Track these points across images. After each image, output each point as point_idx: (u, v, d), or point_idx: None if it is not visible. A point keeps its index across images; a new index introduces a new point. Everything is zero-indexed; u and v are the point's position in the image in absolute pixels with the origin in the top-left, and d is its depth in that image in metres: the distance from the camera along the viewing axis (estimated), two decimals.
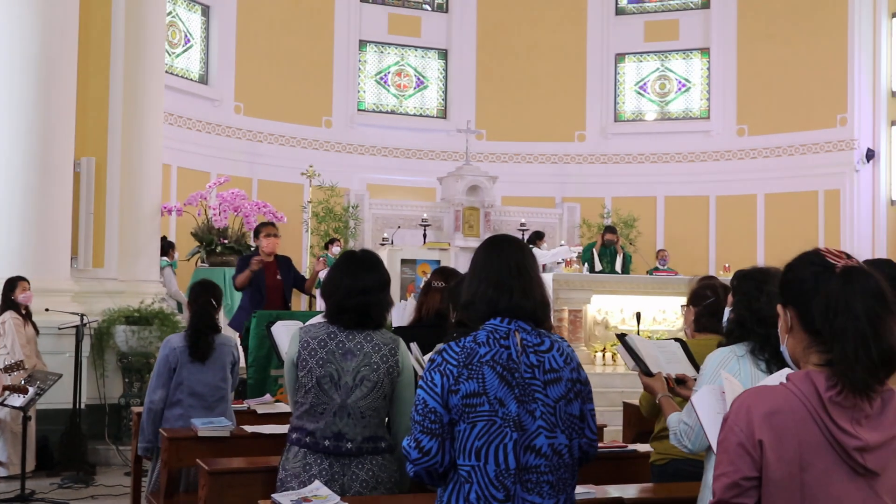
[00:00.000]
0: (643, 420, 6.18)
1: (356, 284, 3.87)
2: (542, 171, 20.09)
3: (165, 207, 12.49)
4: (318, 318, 4.24)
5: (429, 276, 5.71)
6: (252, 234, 10.62)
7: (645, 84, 20.69)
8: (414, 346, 4.62)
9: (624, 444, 5.15)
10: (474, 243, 16.95)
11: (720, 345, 3.80)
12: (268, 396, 6.87)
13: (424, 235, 16.57)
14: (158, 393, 5.97)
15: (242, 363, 6.81)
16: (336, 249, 14.46)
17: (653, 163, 20.08)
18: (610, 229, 15.17)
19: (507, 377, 2.90)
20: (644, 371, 4.08)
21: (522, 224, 17.24)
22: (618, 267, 14.53)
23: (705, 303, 4.71)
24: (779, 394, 2.13)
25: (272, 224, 9.50)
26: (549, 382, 2.95)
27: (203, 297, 6.11)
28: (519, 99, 20.04)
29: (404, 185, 19.39)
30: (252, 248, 11.87)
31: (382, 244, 15.83)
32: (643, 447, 5.04)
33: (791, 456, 2.07)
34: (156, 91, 11.36)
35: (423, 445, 2.88)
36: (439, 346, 3.07)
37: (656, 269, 15.31)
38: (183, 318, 11.07)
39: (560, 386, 2.98)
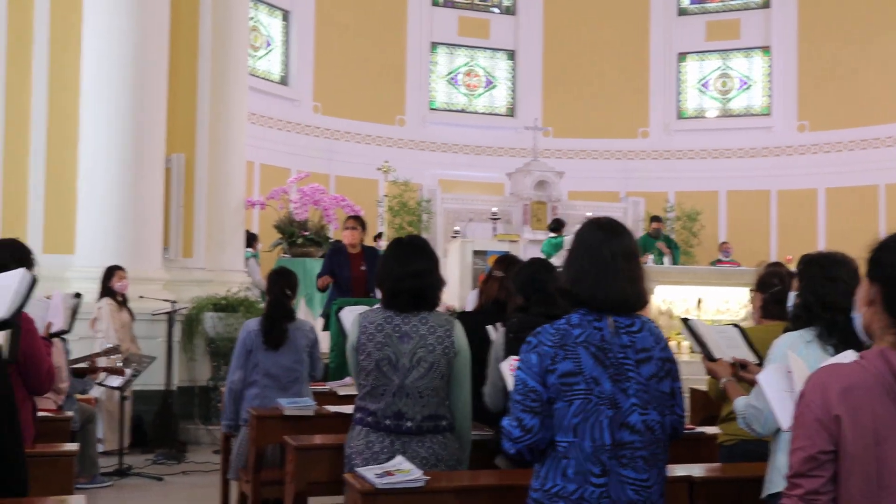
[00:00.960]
0: (709, 405, 6.11)
1: (406, 269, 3.87)
2: (606, 167, 19.93)
3: (249, 201, 12.64)
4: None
5: (492, 263, 5.70)
6: (331, 227, 10.68)
7: (707, 82, 20.42)
8: (494, 328, 4.61)
9: (692, 426, 5.10)
10: (542, 236, 16.89)
11: (786, 330, 3.73)
12: (348, 379, 6.88)
13: (494, 228, 16.55)
14: (237, 374, 6.03)
15: (324, 348, 6.83)
16: (382, 243, 14.48)
17: (715, 158, 19.80)
18: (655, 218, 15.10)
19: (600, 357, 2.89)
20: (707, 355, 4.02)
21: (589, 217, 17.00)
22: (665, 259, 14.38)
23: (772, 290, 4.62)
24: (854, 370, 2.11)
25: (355, 217, 9.47)
26: (641, 361, 2.94)
27: (277, 286, 6.12)
28: (584, 97, 19.88)
29: (474, 180, 19.35)
30: (332, 240, 12.03)
31: (454, 237, 15.85)
32: (710, 429, 4.99)
33: (867, 430, 2.05)
34: (240, 91, 11.51)
35: (525, 424, 2.88)
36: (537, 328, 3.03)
37: (719, 260, 15.12)
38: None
39: (651, 365, 2.96)
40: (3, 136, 10.12)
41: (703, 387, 6.44)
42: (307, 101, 18.33)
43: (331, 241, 12.23)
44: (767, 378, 2.96)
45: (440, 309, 4.07)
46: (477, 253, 12.61)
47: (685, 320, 4.16)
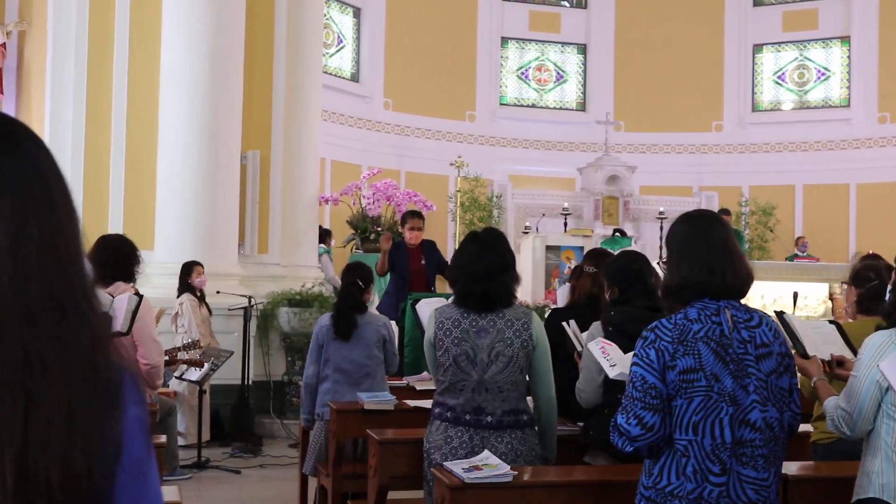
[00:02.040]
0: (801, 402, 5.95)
1: (478, 268, 3.81)
2: (679, 161, 19.66)
3: (322, 197, 12.69)
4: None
5: (582, 259, 5.63)
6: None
7: (783, 74, 20.02)
8: (572, 323, 4.55)
9: None
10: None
11: (878, 327, 3.60)
12: (425, 374, 6.89)
13: (565, 224, 16.43)
14: (311, 369, 6.06)
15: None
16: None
17: (791, 151, 19.40)
18: (723, 211, 14.69)
19: (720, 353, 2.84)
20: (800, 352, 3.90)
21: (661, 213, 16.81)
22: None
23: (868, 285, 4.46)
24: None
25: (417, 215, 9.43)
26: (760, 357, 2.89)
27: (348, 277, 6.12)
28: (656, 91, 19.64)
29: (545, 175, 19.22)
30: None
31: (525, 232, 15.74)
32: (802, 426, 4.84)
33: None
34: (314, 89, 11.57)
35: (646, 421, 2.83)
36: (652, 323, 2.98)
37: (796, 255, 14.79)
38: None
39: (771, 360, 2.91)
40: (85, 133, 10.29)
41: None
42: (378, 98, 18.37)
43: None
44: (890, 366, 2.88)
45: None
46: (549, 248, 12.50)
47: (780, 314, 4.05)
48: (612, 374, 3.80)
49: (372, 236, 12.55)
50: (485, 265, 3.81)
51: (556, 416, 4.00)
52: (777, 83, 20.06)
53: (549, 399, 3.93)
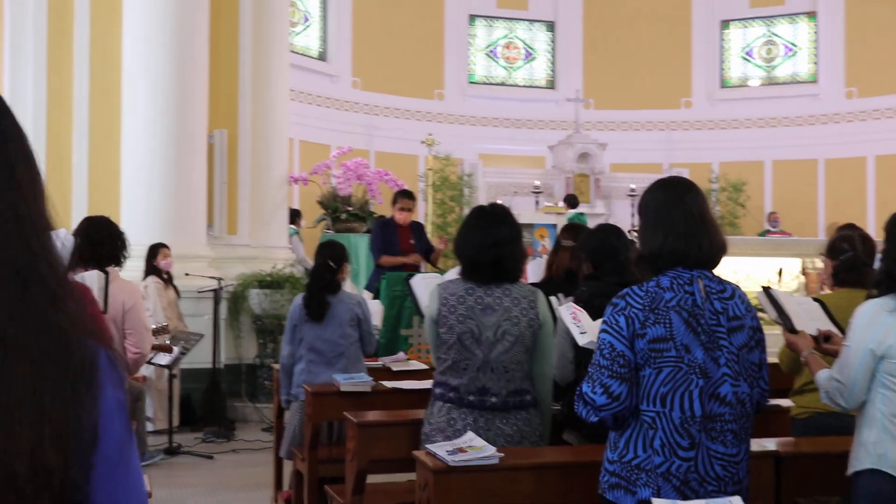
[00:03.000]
0: (778, 377, 5.91)
1: (487, 238, 3.73)
2: (649, 138, 19.70)
3: (291, 177, 12.53)
4: (453, 273, 4.11)
5: (559, 233, 5.54)
6: (375, 201, 10.51)
7: (751, 50, 20.07)
8: (562, 297, 4.44)
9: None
10: (586, 209, 16.68)
11: (869, 297, 3.52)
12: (401, 354, 6.78)
13: (537, 202, 16.36)
14: (286, 349, 6.00)
15: (377, 322, 6.69)
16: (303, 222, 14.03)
17: (760, 127, 19.48)
18: None
19: (692, 323, 2.76)
20: (788, 327, 3.83)
21: (632, 189, 16.84)
22: None
23: (842, 257, 4.39)
24: None
25: (408, 195, 9.25)
26: (733, 330, 2.80)
27: (319, 258, 6.02)
28: (625, 68, 19.64)
29: (515, 154, 19.19)
30: (378, 216, 11.87)
31: None
32: (784, 402, 4.78)
33: None
34: (281, 67, 11.43)
35: (612, 391, 2.74)
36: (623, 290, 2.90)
37: (768, 231, 14.79)
38: None
39: (743, 333, 2.83)
40: (46, 115, 10.08)
41: (771, 359, 6.23)
42: (346, 77, 18.26)
43: (375, 215, 12.08)
44: None
45: None
46: (522, 227, 12.40)
47: (766, 289, 3.97)
48: (581, 341, 3.74)
49: (343, 216, 12.40)
50: (494, 235, 3.75)
51: (552, 396, 3.94)
52: (745, 59, 20.10)
53: (548, 379, 3.88)
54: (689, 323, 2.75)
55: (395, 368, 6.35)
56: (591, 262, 4.37)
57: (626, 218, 16.42)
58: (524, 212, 14.00)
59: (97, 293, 4.67)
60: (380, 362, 6.52)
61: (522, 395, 3.72)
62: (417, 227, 9.18)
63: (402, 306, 8.08)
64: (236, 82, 10.90)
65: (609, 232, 4.44)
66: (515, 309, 3.71)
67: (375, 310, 6.74)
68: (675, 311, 2.75)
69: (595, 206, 17.37)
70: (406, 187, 11.06)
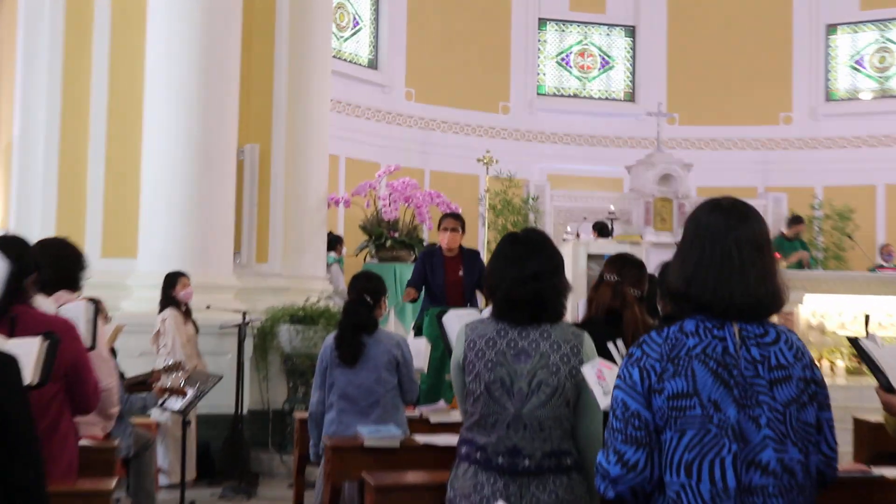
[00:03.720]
0: (880, 439, 5.57)
1: (523, 271, 3.56)
2: (742, 158, 19.45)
3: (332, 199, 12.48)
4: (486, 313, 3.90)
5: (603, 266, 5.33)
6: (431, 224, 10.38)
7: (861, 58, 19.72)
8: (620, 344, 4.21)
9: (867, 468, 4.55)
10: (667, 238, 16.35)
11: None
12: (442, 403, 6.63)
13: (612, 230, 16.06)
14: (316, 395, 5.95)
15: (421, 365, 6.53)
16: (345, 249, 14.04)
17: (871, 146, 19.12)
18: (795, 219, 14.04)
19: (722, 375, 2.54)
20: (883, 385, 3.57)
21: None
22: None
23: None
24: None
25: (455, 216, 9.15)
26: (776, 382, 2.57)
27: (355, 291, 5.92)
28: (715, 78, 19.43)
29: (588, 174, 19.06)
30: (427, 244, 11.72)
31: (565, 239, 15.44)
32: (891, 472, 4.45)
33: None
34: (322, 75, 11.42)
35: (627, 458, 2.56)
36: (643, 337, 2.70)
37: (880, 266, 14.29)
38: None
39: (790, 386, 2.59)
40: (60, 128, 10.15)
41: (873, 417, 5.90)
42: (399, 87, 18.27)
43: (425, 244, 11.93)
44: None
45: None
46: (592, 257, 12.21)
47: (854, 341, 3.71)
48: (603, 404, 3.54)
49: (388, 243, 12.28)
50: (530, 266, 3.58)
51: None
52: (854, 69, 19.73)
53: (597, 439, 3.64)
54: (717, 375, 2.55)
55: (433, 420, 6.26)
56: (670, 299, 4.14)
57: None
58: (591, 242, 13.78)
59: (84, 327, 4.55)
60: (417, 412, 6.41)
61: (561, 457, 3.50)
62: (471, 256, 9.00)
63: (447, 347, 7.84)
64: (270, 92, 10.90)
65: None
66: (555, 355, 3.53)
67: (420, 350, 6.56)
68: (699, 361, 2.55)
69: (678, 234, 16.90)
70: (458, 211, 10.90)
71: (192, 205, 9.74)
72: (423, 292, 9.02)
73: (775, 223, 17.94)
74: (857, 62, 19.71)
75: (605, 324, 4.80)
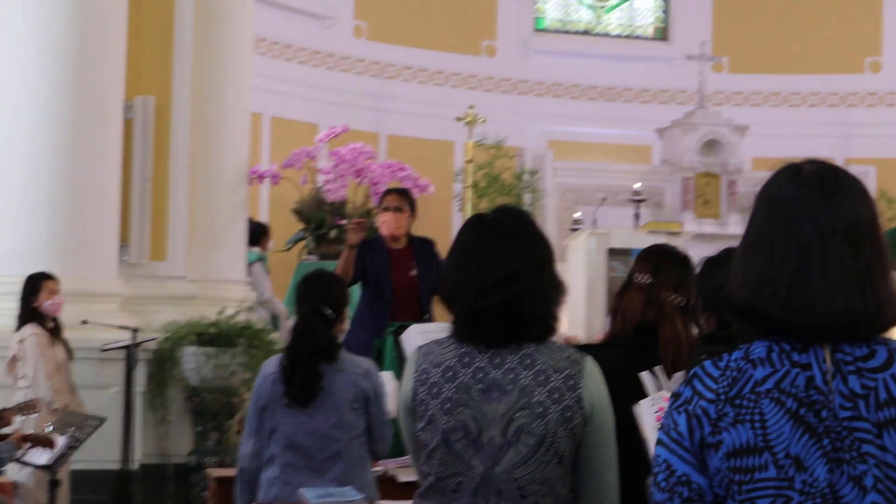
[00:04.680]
0: None
1: (491, 270, 3.47)
2: (815, 119, 19.61)
3: (255, 173, 12.42)
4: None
5: (633, 262, 5.37)
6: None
7: None
8: (659, 372, 4.23)
9: None
10: (712, 227, 16.41)
11: None
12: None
13: (637, 216, 16.15)
14: (249, 445, 5.87)
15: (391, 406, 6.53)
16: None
17: None
18: None
19: (806, 418, 2.45)
20: None
21: None
22: None
23: None
24: None
25: (399, 191, 9.26)
26: (887, 424, 2.46)
27: (308, 302, 5.87)
28: (778, 10, 19.53)
29: (604, 140, 19.19)
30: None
31: (574, 228, 15.49)
32: None
33: None
34: (242, 3, 11.54)
35: None
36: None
37: None
38: (282, 338, 11.07)
39: None
40: None
41: None
42: (344, 20, 18.25)
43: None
44: None
45: (558, 339, 3.70)
46: (614, 252, 12.21)
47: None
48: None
49: (332, 233, 12.26)
50: (504, 263, 3.47)
51: None
52: None
53: None
54: (799, 418, 2.46)
55: (402, 478, 6.28)
56: (712, 313, 4.21)
57: None
58: (618, 230, 13.79)
59: None
60: (380, 467, 6.43)
61: None
62: (424, 248, 9.05)
63: None
64: (170, 24, 10.94)
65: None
66: (540, 390, 3.43)
67: (388, 385, 6.57)
68: (771, 400, 2.47)
69: (727, 221, 17.26)
70: (430, 189, 10.92)
71: (60, 182, 9.78)
72: (361, 301, 9.09)
73: None
74: None
75: (634, 345, 4.80)
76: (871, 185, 18.43)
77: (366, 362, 6.04)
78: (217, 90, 11.12)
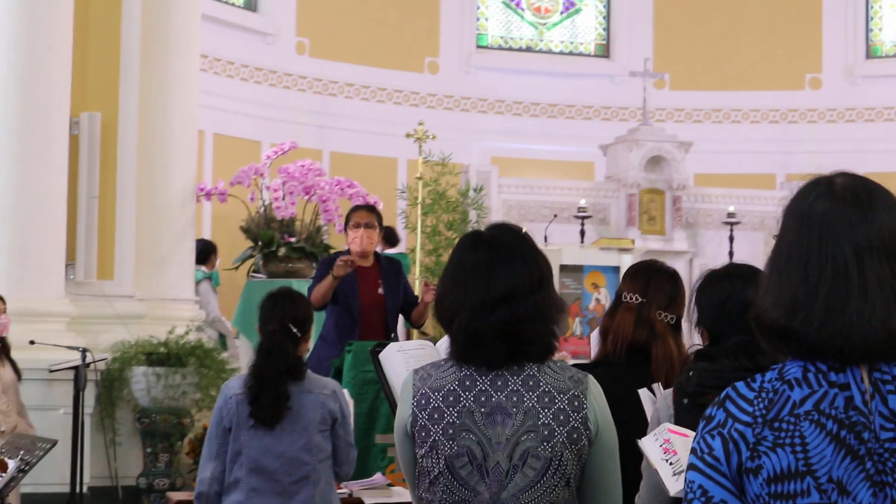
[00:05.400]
0: None
1: (491, 289, 3.41)
2: (756, 136, 19.76)
3: (202, 190, 12.33)
4: (443, 347, 3.78)
5: (622, 281, 5.33)
6: (343, 225, 10.34)
7: None
8: (658, 389, 4.17)
9: None
10: (658, 244, 16.45)
11: None
12: (378, 477, 6.51)
13: (583, 232, 16.16)
14: (209, 469, 5.75)
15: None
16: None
17: None
18: None
19: (847, 440, 2.39)
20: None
21: (731, 214, 16.72)
22: None
23: None
24: None
25: (369, 208, 9.23)
26: None
27: (274, 319, 5.77)
28: (718, 27, 19.66)
29: (548, 157, 19.20)
30: (332, 250, 11.66)
31: None
32: None
33: None
34: (188, 17, 11.55)
35: None
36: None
37: None
38: (231, 357, 11.02)
39: None
40: None
41: None
42: (287, 37, 18.26)
43: (332, 250, 11.94)
44: None
45: (562, 356, 3.59)
46: (566, 269, 12.18)
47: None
48: (672, 489, 3.55)
49: (281, 251, 12.18)
50: (503, 281, 3.41)
51: None
52: None
53: None
54: (840, 441, 2.41)
55: (368, 501, 6.25)
56: (706, 328, 4.13)
57: (720, 257, 16.23)
58: (565, 247, 13.78)
59: None
60: (344, 490, 6.39)
61: None
62: (391, 267, 9.06)
63: (379, 397, 7.93)
64: (118, 40, 10.92)
65: (738, 277, 4.18)
66: (546, 412, 3.39)
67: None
68: (811, 423, 2.41)
69: (673, 237, 17.37)
70: (379, 205, 10.92)
71: (5, 199, 9.87)
72: (328, 319, 9.02)
73: None
74: None
75: (626, 363, 4.77)
76: None
77: (332, 383, 6.01)
78: (164, 107, 11.10)
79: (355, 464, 6.04)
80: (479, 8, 19.95)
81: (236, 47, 17.35)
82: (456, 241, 16.21)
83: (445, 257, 16.55)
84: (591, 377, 3.53)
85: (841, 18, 19.88)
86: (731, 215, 16.84)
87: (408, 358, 5.25)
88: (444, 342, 3.90)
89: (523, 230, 3.72)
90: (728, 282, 4.19)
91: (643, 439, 3.69)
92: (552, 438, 3.38)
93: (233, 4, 17.78)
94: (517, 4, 20.29)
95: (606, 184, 18.10)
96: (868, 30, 20.12)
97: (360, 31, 18.44)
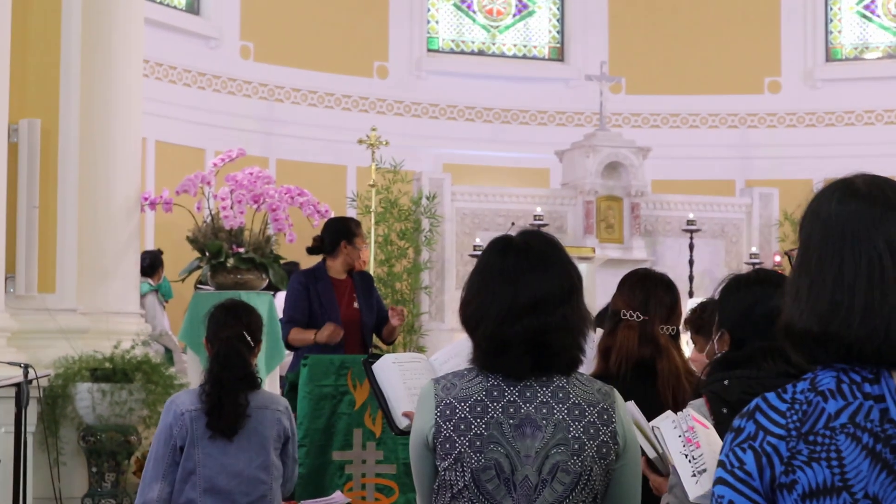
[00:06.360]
0: None
1: (518, 297, 3.40)
2: (714, 141, 19.92)
3: (146, 199, 12.26)
4: (463, 358, 3.76)
5: (615, 293, 5.37)
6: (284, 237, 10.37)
7: (873, 4, 20.34)
8: (631, 404, 4.16)
9: None
10: (616, 252, 16.48)
11: None
12: (338, 495, 6.50)
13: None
14: (154, 490, 5.70)
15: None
16: None
17: (888, 123, 19.72)
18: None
19: (883, 455, 2.38)
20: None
21: (690, 222, 16.76)
22: None
23: None
24: None
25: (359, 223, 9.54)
26: None
27: (228, 329, 5.77)
28: (676, 29, 19.83)
29: (502, 164, 19.36)
30: (286, 262, 11.59)
31: (474, 255, 15.40)
32: None
33: None
34: (130, 19, 11.45)
35: None
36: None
37: None
38: (179, 372, 10.97)
39: None
40: None
41: None
42: (231, 40, 18.25)
43: (283, 261, 11.83)
44: None
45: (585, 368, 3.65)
46: None
47: None
48: (693, 493, 3.49)
49: (230, 262, 12.10)
50: (532, 289, 3.39)
51: None
52: (865, 17, 20.40)
53: None
54: (876, 455, 2.39)
55: None
56: (728, 332, 4.17)
57: (680, 266, 16.30)
58: None
59: None
60: None
61: None
62: (364, 281, 9.20)
63: (336, 412, 7.93)
64: (57, 43, 10.84)
65: (767, 283, 4.19)
66: (576, 425, 3.38)
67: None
68: (847, 436, 2.40)
69: (632, 245, 17.38)
70: (330, 213, 11.00)
71: None
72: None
73: (763, 229, 18.30)
74: (866, 9, 20.37)
75: (633, 380, 4.79)
76: (774, 208, 18.69)
77: (282, 399, 6.07)
78: (106, 114, 11.03)
79: (295, 481, 6.16)
80: (429, 10, 20.02)
81: (178, 52, 17.32)
82: (407, 251, 16.35)
83: (398, 268, 16.70)
84: (616, 391, 3.54)
85: (800, 21, 20.08)
86: (690, 222, 16.92)
87: (404, 370, 5.22)
88: (439, 356, 3.88)
89: (556, 238, 3.71)
90: (758, 287, 4.22)
91: (660, 421, 3.66)
92: (582, 452, 3.39)
93: (175, 7, 17.73)
94: (468, 7, 20.37)
95: (563, 191, 18.13)
96: (827, 32, 20.34)
97: (307, 34, 18.45)
